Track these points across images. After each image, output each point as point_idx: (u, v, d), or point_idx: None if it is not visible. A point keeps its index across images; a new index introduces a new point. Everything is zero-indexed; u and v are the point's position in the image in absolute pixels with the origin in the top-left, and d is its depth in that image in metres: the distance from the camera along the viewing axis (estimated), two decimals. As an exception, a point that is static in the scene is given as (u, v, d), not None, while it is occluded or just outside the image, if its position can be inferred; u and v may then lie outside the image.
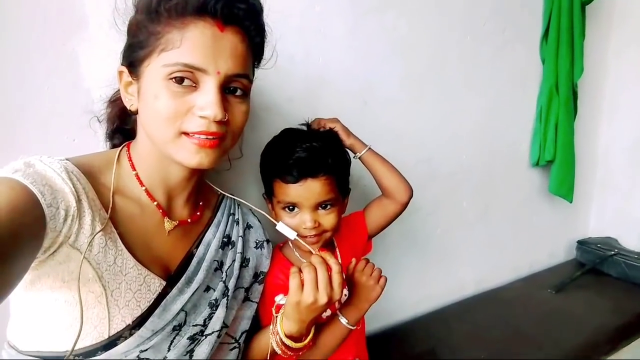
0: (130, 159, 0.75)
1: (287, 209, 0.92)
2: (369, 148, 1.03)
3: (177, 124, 0.65)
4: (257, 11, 0.72)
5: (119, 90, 0.75)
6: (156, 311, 0.71)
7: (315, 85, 1.21)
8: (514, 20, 1.63)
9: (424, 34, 1.40)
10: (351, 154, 1.04)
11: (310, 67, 1.20)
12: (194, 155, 0.67)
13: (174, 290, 0.74)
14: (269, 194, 0.97)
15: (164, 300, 0.72)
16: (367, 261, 0.96)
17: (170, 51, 0.63)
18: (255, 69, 0.79)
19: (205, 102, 0.64)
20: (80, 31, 0.88)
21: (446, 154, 1.54)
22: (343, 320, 0.93)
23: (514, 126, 1.76)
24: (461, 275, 1.72)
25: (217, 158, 0.69)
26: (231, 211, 0.92)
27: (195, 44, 0.63)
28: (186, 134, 0.66)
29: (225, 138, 0.69)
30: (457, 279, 1.71)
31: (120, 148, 0.77)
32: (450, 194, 1.59)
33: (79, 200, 0.63)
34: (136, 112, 0.71)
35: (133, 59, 0.67)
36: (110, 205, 0.68)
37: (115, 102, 0.83)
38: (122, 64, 0.71)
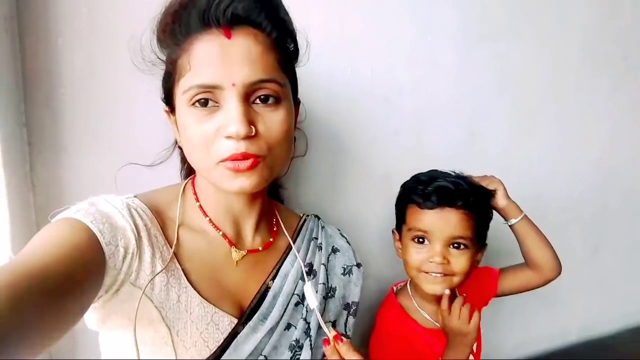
0: (194, 191, 0.73)
1: (416, 240, 0.89)
2: (525, 215, 0.96)
3: (210, 152, 0.60)
4: (267, 1, 0.63)
5: None
6: (226, 352, 0.66)
7: (422, 116, 1.18)
8: (638, 45, 1.49)
9: (538, 62, 1.31)
10: (501, 219, 0.98)
11: (418, 99, 1.16)
12: (232, 181, 0.61)
13: (246, 329, 0.68)
14: (400, 223, 0.94)
15: (235, 340, 0.67)
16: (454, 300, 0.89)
17: (185, 77, 0.60)
18: (296, 67, 0.71)
19: (227, 119, 0.58)
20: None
21: (556, 189, 1.42)
22: None
23: (632, 160, 1.60)
24: (564, 321, 1.58)
25: (262, 179, 0.62)
26: (313, 235, 0.84)
27: (203, 61, 0.58)
28: (222, 161, 0.61)
29: (266, 156, 0.62)
30: (560, 325, 1.57)
31: (186, 181, 0.75)
32: (558, 233, 1.44)
33: (139, 237, 0.61)
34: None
35: (166, 93, 0.66)
36: (175, 241, 0.66)
37: None
38: (162, 101, 0.69)
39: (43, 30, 0.81)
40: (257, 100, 0.61)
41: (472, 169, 1.23)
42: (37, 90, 0.82)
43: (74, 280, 0.50)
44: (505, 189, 0.96)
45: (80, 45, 0.83)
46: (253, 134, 0.59)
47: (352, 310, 0.84)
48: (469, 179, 0.94)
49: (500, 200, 0.94)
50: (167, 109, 0.68)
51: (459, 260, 0.87)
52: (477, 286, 1.01)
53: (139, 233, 0.61)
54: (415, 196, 0.88)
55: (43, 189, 0.85)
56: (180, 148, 0.76)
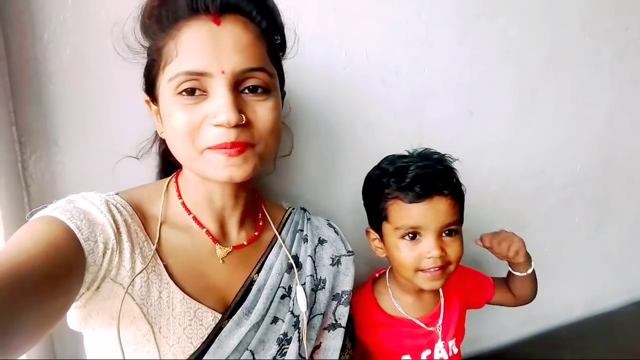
0: (177, 187, 0.72)
1: (407, 237, 0.81)
2: (533, 270, 0.96)
3: (196, 141, 0.59)
4: None
5: None
6: (210, 348, 0.64)
7: (420, 97, 1.15)
8: (639, 14, 1.46)
9: (538, 36, 1.28)
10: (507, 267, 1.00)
11: (415, 79, 1.14)
12: (221, 170, 0.59)
13: (230, 323, 0.67)
14: (378, 221, 0.85)
15: (219, 336, 0.65)
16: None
17: (171, 63, 0.58)
18: (283, 60, 0.71)
19: (216, 108, 0.57)
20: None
21: (558, 165, 1.41)
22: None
23: (634, 134, 1.57)
24: (570, 296, 1.58)
25: (251, 169, 0.61)
26: (298, 227, 0.82)
27: (191, 47, 0.57)
28: (209, 149, 0.60)
29: (256, 144, 0.61)
30: (565, 300, 1.57)
31: (169, 177, 0.74)
32: (561, 209, 1.45)
33: (118, 233, 0.60)
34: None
35: (149, 83, 0.65)
36: (157, 237, 0.66)
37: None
38: (144, 91, 0.68)
39: (28, 26, 0.79)
40: (246, 90, 0.60)
41: (472, 149, 1.22)
42: (25, 87, 0.81)
43: (52, 277, 0.50)
44: (525, 248, 0.92)
45: (67, 38, 0.81)
46: (243, 122, 0.58)
47: (342, 299, 0.82)
48: (438, 158, 0.85)
49: (519, 259, 0.93)
50: (147, 98, 0.68)
51: (454, 247, 0.82)
52: (476, 288, 1.02)
53: (118, 228, 0.61)
54: (394, 191, 0.80)
55: (37, 187, 0.84)
56: (160, 140, 0.76)
